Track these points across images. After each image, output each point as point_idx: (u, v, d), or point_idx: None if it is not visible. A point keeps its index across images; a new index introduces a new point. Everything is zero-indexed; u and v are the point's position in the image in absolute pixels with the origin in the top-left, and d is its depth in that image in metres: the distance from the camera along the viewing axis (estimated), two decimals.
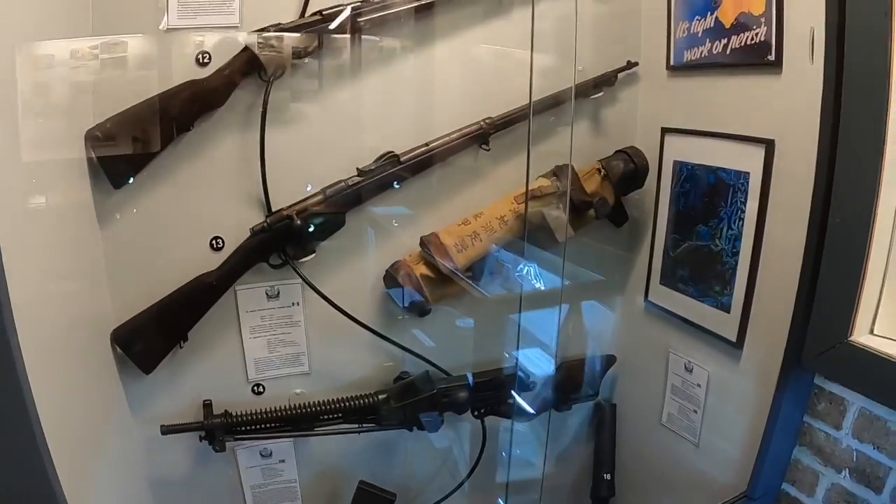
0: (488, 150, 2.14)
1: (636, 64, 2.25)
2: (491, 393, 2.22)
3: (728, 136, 1.96)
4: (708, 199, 2.03)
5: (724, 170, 1.97)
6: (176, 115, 1.84)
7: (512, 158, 2.21)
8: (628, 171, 2.18)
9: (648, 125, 2.26)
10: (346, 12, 1.92)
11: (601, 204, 2.15)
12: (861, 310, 1.63)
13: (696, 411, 2.15)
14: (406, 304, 2.11)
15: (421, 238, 2.12)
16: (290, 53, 1.90)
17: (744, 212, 1.92)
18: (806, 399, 1.80)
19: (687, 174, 2.11)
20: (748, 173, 1.90)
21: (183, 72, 1.87)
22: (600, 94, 2.23)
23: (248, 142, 1.95)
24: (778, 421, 1.82)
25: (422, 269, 2.10)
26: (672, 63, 2.15)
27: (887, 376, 1.54)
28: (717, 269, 2.02)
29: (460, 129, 2.10)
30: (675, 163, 2.15)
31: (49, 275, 1.60)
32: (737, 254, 1.95)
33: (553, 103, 2.13)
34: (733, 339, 1.97)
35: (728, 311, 1.99)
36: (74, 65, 1.75)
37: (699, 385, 2.13)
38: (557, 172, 2.16)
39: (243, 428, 2.03)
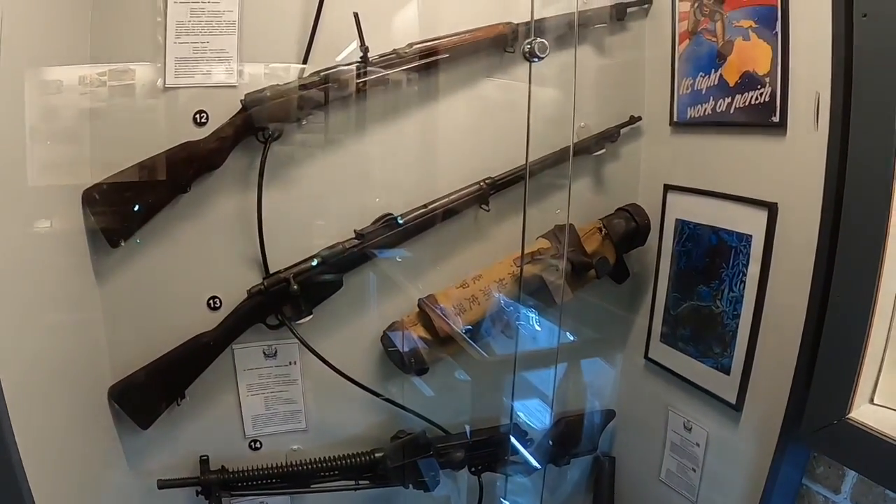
0: (488, 211, 2.09)
1: (639, 119, 2.20)
2: (488, 451, 2.17)
3: (731, 198, 1.90)
4: (710, 260, 1.97)
5: (726, 231, 1.91)
6: (173, 177, 1.80)
7: (513, 217, 2.15)
8: (630, 229, 2.12)
9: (651, 181, 2.20)
10: (348, 71, 1.88)
11: (601, 263, 2.08)
12: (862, 379, 1.55)
13: (694, 470, 2.08)
14: (404, 366, 2.06)
15: (419, 300, 2.07)
16: (288, 114, 1.85)
17: (745, 275, 1.85)
18: (805, 462, 1.74)
19: (689, 233, 2.05)
20: (750, 236, 1.83)
21: (181, 130, 1.83)
22: (602, 151, 2.18)
23: (247, 202, 1.92)
24: (777, 484, 1.76)
25: (420, 331, 2.04)
26: (675, 119, 2.09)
27: (885, 457, 1.47)
28: (717, 330, 1.95)
29: (460, 190, 2.05)
30: (678, 221, 2.09)
31: (46, 331, 1.59)
32: (738, 316, 1.88)
33: (555, 160, 2.08)
34: (732, 401, 1.90)
35: (728, 373, 1.92)
36: (68, 125, 1.74)
37: (698, 444, 2.06)
38: (557, 233, 2.09)
39: (240, 484, 1.98)
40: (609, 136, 2.16)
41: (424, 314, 2.04)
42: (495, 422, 2.22)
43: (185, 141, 1.81)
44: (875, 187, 1.47)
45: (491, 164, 2.09)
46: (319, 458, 2.03)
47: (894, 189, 1.45)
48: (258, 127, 1.84)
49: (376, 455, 2.05)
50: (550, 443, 2.22)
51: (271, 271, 1.94)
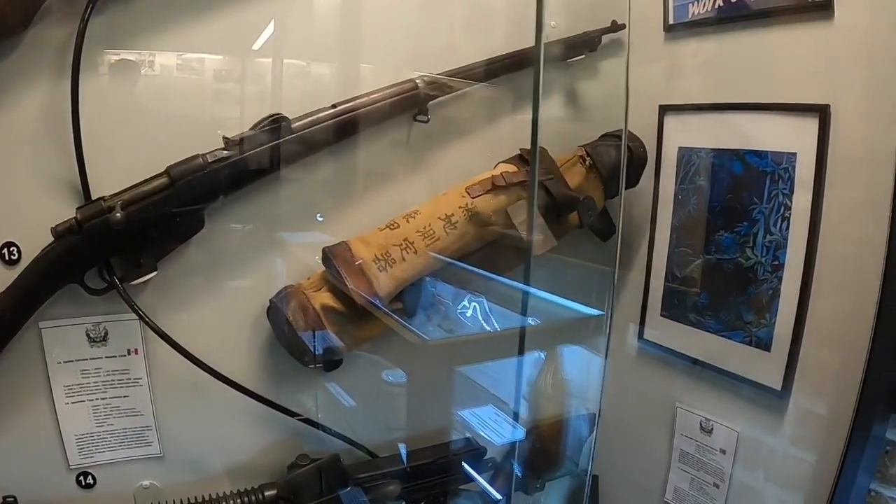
0: (426, 122, 1.36)
1: (623, 27, 1.55)
2: (433, 480, 1.42)
3: (759, 108, 1.34)
4: (732, 196, 1.38)
5: (755, 153, 1.34)
6: None
7: (462, 138, 1.45)
8: (621, 160, 1.45)
9: (641, 103, 1.52)
10: None
11: (587, 204, 1.41)
12: None
13: (717, 485, 1.44)
14: (302, 355, 1.29)
15: (323, 250, 1.30)
16: None
17: (789, 208, 1.29)
18: (876, 461, 1.21)
19: (698, 164, 1.45)
20: (794, 154, 1.27)
21: None
22: (581, 56, 1.52)
23: (58, 97, 1.13)
24: (850, 494, 1.20)
25: (324, 299, 1.27)
26: (672, 21, 1.49)
27: None
28: (749, 290, 1.36)
29: (385, 89, 1.31)
30: (681, 150, 1.47)
31: None
32: (780, 268, 1.31)
33: (514, 64, 1.41)
34: (777, 385, 1.32)
35: (768, 348, 1.33)
36: None
37: (723, 451, 1.42)
38: (526, 156, 1.41)
39: None
40: (587, 43, 1.51)
41: (333, 273, 1.29)
42: (442, 438, 1.49)
43: None
44: None
45: (433, 56, 1.39)
46: (185, 502, 1.24)
47: None
48: None
49: (265, 494, 1.26)
50: (516, 464, 1.49)
51: (93, 198, 1.16)
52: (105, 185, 1.17)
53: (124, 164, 1.19)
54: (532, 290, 1.28)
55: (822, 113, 1.23)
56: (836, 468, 1.22)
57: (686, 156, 1.47)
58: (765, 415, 1.36)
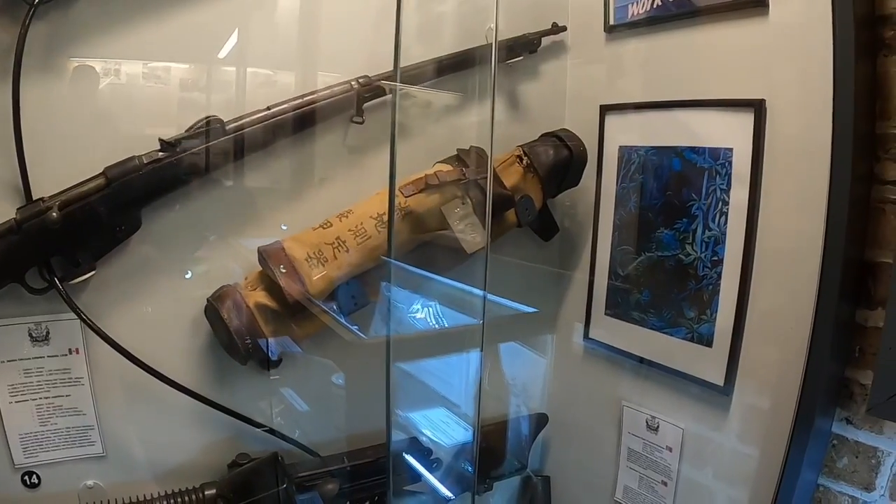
0: (361, 123, 1.32)
1: (563, 29, 1.53)
2: (377, 479, 1.37)
3: (697, 105, 1.32)
4: (672, 193, 1.35)
5: (693, 150, 1.31)
6: None
7: (400, 140, 1.36)
8: (560, 159, 1.43)
9: (582, 105, 1.54)
10: None
11: (525, 203, 1.39)
12: None
13: (665, 483, 1.40)
14: (238, 353, 1.24)
15: (258, 250, 1.27)
16: None
17: (727, 203, 1.27)
18: (822, 455, 1.17)
19: (639, 162, 1.42)
20: (730, 150, 1.25)
21: None
22: (519, 58, 1.48)
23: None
24: (795, 489, 1.15)
25: (258, 297, 1.25)
26: (613, 23, 1.47)
27: None
28: (689, 286, 1.33)
29: (322, 90, 1.28)
30: (622, 149, 1.45)
31: None
32: (719, 263, 1.28)
33: (455, 65, 1.38)
34: (719, 381, 1.29)
35: (709, 344, 1.30)
36: None
37: (669, 448, 1.39)
38: (463, 157, 1.38)
39: None
40: (527, 45, 1.48)
41: (269, 271, 1.25)
42: (385, 437, 1.42)
43: None
44: None
45: (369, 58, 1.35)
46: (128, 502, 1.20)
47: None
48: None
49: (206, 494, 1.22)
50: (466, 464, 1.46)
51: (35, 199, 1.13)
52: (46, 186, 1.14)
53: (66, 167, 1.17)
54: (475, 290, 1.26)
55: (757, 108, 1.21)
56: (780, 463, 1.17)
57: (627, 154, 1.44)
58: (709, 411, 1.33)
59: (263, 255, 1.23)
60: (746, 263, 1.24)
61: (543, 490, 1.66)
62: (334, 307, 1.26)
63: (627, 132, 1.45)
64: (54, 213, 1.06)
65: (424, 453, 1.44)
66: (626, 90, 1.47)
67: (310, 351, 1.40)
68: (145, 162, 1.15)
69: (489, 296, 1.37)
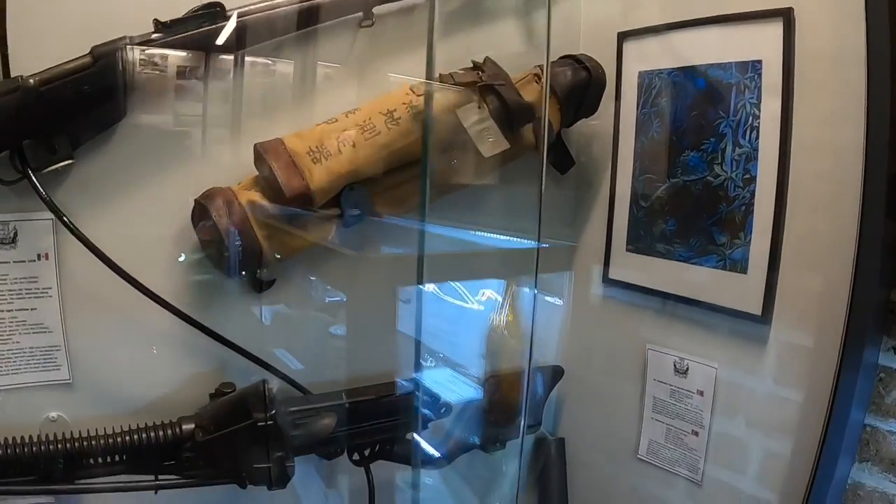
0: (371, 26, 1.19)
1: None
2: (378, 423, 1.19)
3: (720, 20, 1.20)
4: (697, 113, 1.25)
5: (719, 66, 1.21)
6: None
7: (410, 48, 1.25)
8: (579, 80, 1.29)
9: (598, 33, 1.41)
10: None
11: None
12: None
13: (696, 432, 1.26)
14: (228, 266, 1.09)
15: (255, 147, 1.11)
16: None
17: (758, 117, 1.16)
18: (869, 391, 1.05)
19: (660, 86, 1.31)
20: (759, 62, 1.14)
21: None
22: None
23: None
24: (846, 429, 1.02)
25: (252, 196, 1.09)
26: None
27: None
28: (720, 209, 1.21)
29: None
30: (642, 74, 1.34)
31: None
32: (752, 181, 1.17)
33: None
34: (756, 311, 1.16)
35: (744, 271, 1.18)
36: None
37: (700, 392, 1.25)
38: (479, 66, 1.22)
39: None
40: None
41: (266, 173, 1.11)
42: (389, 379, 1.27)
43: None
44: None
45: None
46: (91, 435, 0.99)
47: None
48: None
49: (183, 428, 1.03)
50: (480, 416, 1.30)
51: (12, 75, 0.99)
52: (28, 65, 0.98)
53: (52, 49, 1.00)
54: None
55: (785, 16, 1.11)
56: (826, 402, 1.04)
57: (646, 79, 1.34)
58: (745, 346, 1.19)
59: (261, 150, 1.09)
60: (782, 180, 1.13)
61: (558, 453, 1.49)
62: (339, 215, 1.12)
63: (647, 57, 1.34)
64: (31, 81, 0.92)
65: (433, 399, 1.27)
66: (642, 15, 1.35)
67: (307, 272, 1.23)
68: (137, 42, 1.01)
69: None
